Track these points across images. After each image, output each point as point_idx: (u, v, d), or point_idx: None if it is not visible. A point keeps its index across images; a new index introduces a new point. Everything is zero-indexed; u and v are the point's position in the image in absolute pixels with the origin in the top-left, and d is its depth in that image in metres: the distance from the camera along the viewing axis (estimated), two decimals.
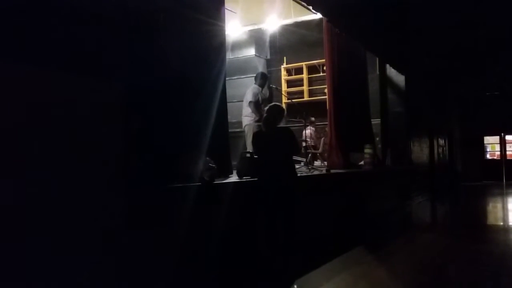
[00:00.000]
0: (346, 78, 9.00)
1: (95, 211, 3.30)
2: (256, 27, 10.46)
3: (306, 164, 7.58)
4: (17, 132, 2.88)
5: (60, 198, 3.07)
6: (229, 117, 5.73)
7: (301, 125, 8.61)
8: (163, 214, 3.83)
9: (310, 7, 7.70)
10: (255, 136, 5.28)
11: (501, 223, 9.42)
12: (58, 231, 3.02)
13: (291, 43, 10.95)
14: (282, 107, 5.27)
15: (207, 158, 4.45)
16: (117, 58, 3.68)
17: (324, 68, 9.50)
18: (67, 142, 3.17)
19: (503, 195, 15.55)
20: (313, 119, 9.59)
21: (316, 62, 10.63)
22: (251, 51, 10.71)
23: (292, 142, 4.96)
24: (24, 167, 2.90)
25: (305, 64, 10.89)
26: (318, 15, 8.56)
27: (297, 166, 6.36)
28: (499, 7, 9.86)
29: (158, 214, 3.78)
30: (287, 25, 10.35)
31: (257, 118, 7.67)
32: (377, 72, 11.06)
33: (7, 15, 2.90)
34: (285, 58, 11.19)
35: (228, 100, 5.67)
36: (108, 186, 3.44)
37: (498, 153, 20.49)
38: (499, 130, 20.12)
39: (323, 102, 9.59)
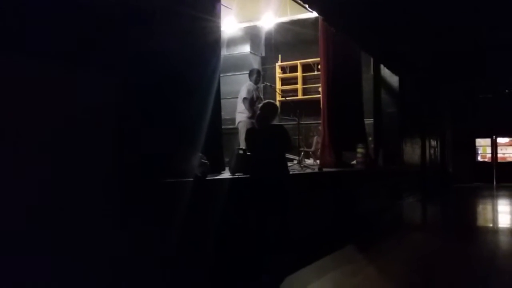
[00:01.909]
0: (340, 78, 9.02)
1: (88, 208, 3.29)
2: (251, 24, 10.46)
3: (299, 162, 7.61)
4: (10, 129, 2.87)
5: (54, 196, 3.06)
6: (222, 113, 5.73)
7: (294, 123, 8.62)
8: (156, 210, 3.83)
9: (306, 6, 7.71)
10: (248, 132, 5.28)
11: (491, 225, 9.50)
12: (54, 229, 3.02)
13: (286, 41, 10.97)
14: (276, 105, 5.28)
15: (200, 154, 4.45)
16: (111, 54, 3.66)
17: (319, 66, 9.52)
18: (60, 138, 3.16)
19: (493, 197, 15.66)
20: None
21: (311, 61, 10.65)
22: (246, 48, 10.71)
23: (285, 139, 4.97)
24: (18, 164, 2.88)
25: (299, 62, 10.91)
26: (314, 14, 8.57)
27: (289, 164, 6.37)
28: (492, 11, 9.92)
29: (151, 210, 3.78)
30: (282, 23, 10.35)
31: (249, 115, 7.67)
32: (371, 72, 11.10)
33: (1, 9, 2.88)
34: (280, 55, 11.20)
35: (222, 97, 5.67)
36: (101, 183, 3.44)
37: (490, 155, 20.63)
38: (491, 133, 20.26)
39: (317, 101, 9.61)
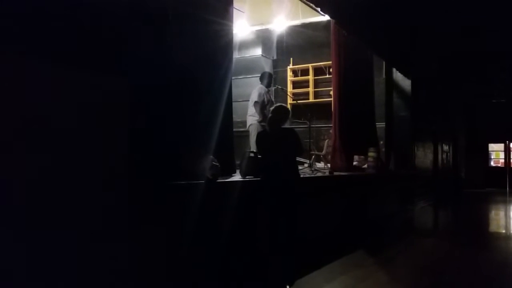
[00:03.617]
0: (352, 81, 8.99)
1: (99, 208, 3.31)
2: (263, 27, 10.47)
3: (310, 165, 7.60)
4: (21, 129, 2.90)
5: (65, 194, 3.08)
6: (234, 116, 5.74)
7: (305, 127, 8.61)
8: (166, 211, 3.85)
9: (319, 9, 7.71)
10: (259, 136, 5.28)
11: (503, 231, 9.40)
12: (61, 228, 3.04)
13: (298, 44, 10.96)
14: (287, 108, 5.28)
15: (211, 157, 4.47)
16: (124, 56, 3.70)
17: (330, 70, 9.49)
18: (72, 138, 3.19)
19: (506, 202, 15.50)
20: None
21: (323, 64, 10.63)
22: (257, 51, 10.72)
23: (296, 143, 4.97)
24: (28, 164, 2.91)
25: (311, 66, 10.89)
26: (326, 17, 8.56)
27: (300, 168, 6.36)
28: (507, 15, 9.85)
29: (161, 211, 3.80)
30: (294, 26, 10.36)
31: (260, 119, 7.68)
32: (384, 76, 11.05)
33: (16, 10, 2.92)
34: (291, 59, 11.20)
35: (233, 100, 5.68)
36: (113, 183, 3.46)
37: (502, 160, 20.43)
38: (504, 138, 20.06)
39: (328, 104, 9.59)
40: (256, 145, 5.24)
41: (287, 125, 5.36)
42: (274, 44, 11.13)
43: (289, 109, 5.50)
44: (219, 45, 5.24)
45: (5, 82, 2.79)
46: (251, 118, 7.95)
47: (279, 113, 5.00)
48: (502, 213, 12.75)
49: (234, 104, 5.76)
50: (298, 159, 6.01)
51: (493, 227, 10.07)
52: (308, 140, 8.11)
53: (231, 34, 5.60)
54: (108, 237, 3.33)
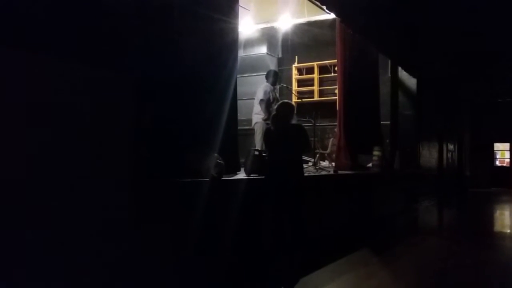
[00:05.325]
0: (357, 79, 8.97)
1: (103, 206, 3.32)
2: (269, 25, 10.45)
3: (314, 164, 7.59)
4: (29, 123, 2.91)
5: (69, 190, 3.09)
6: (238, 114, 5.74)
7: (310, 125, 8.60)
8: (171, 209, 3.85)
9: (324, 7, 7.69)
10: (266, 133, 5.28)
11: (508, 230, 9.36)
12: (65, 224, 3.05)
13: (303, 42, 10.93)
14: (291, 104, 5.27)
15: (216, 154, 4.47)
16: (130, 53, 3.70)
17: (336, 68, 9.48)
18: (77, 136, 3.19)
19: (511, 202, 15.44)
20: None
21: (328, 62, 10.60)
22: (263, 49, 10.71)
23: (303, 139, 4.95)
24: (29, 161, 2.91)
25: (316, 64, 10.86)
26: (332, 15, 8.55)
27: (305, 166, 6.35)
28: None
29: (166, 209, 3.80)
30: (300, 24, 10.32)
31: (265, 117, 7.68)
32: (389, 74, 11.00)
33: (24, 5, 2.93)
34: (296, 57, 11.17)
35: (238, 98, 5.68)
36: (118, 181, 3.47)
37: (508, 160, 20.32)
38: (509, 137, 19.95)
39: (333, 103, 9.57)
40: (264, 142, 5.25)
41: (294, 121, 5.34)
42: (279, 42, 11.10)
43: (293, 105, 5.48)
44: (224, 43, 5.24)
45: (7, 78, 2.80)
46: (257, 116, 7.95)
47: (283, 110, 4.99)
48: (507, 213, 12.71)
49: (239, 102, 5.76)
50: (303, 157, 6.00)
51: (497, 227, 10.03)
52: (313, 139, 8.09)
53: (236, 32, 5.59)
54: (112, 235, 3.34)
